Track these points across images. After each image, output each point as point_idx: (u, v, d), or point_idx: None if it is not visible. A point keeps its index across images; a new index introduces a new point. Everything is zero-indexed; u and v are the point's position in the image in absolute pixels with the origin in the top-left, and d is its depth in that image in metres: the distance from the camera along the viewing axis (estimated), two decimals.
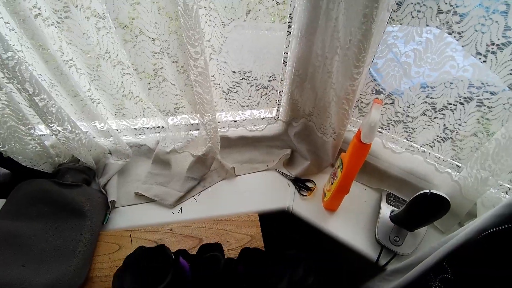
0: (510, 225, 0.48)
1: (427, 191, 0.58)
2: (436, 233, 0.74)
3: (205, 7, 0.56)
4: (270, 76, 0.74)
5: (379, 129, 0.77)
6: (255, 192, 0.84)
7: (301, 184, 0.85)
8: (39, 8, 0.52)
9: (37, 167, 0.73)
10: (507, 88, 0.54)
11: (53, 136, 0.73)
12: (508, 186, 0.65)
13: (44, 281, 0.60)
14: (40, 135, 0.71)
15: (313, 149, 0.87)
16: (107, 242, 0.72)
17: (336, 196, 0.72)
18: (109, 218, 0.77)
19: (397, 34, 0.59)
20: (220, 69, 0.69)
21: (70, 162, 0.81)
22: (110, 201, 0.78)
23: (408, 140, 0.75)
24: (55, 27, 0.55)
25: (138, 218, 0.77)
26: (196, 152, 0.86)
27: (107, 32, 0.59)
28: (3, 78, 0.56)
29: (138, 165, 0.89)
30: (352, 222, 0.76)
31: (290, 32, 0.68)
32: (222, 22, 0.58)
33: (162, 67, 0.65)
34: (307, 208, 0.79)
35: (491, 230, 0.50)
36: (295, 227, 0.83)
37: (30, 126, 0.66)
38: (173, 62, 0.63)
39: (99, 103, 0.73)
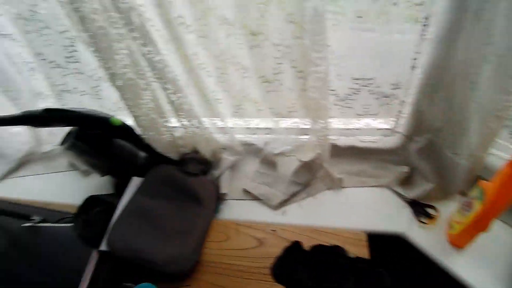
0: None
1: None
2: None
3: (331, 11, 0.54)
4: (395, 84, 0.67)
5: None
6: (363, 208, 0.78)
7: (420, 209, 0.74)
8: (183, 18, 0.60)
9: (167, 154, 0.85)
10: None
11: (182, 129, 0.84)
12: None
13: (167, 254, 0.68)
14: (172, 127, 0.82)
15: (439, 170, 0.74)
16: (217, 230, 0.78)
17: (469, 232, 0.59)
18: (220, 208, 0.83)
19: None
20: (339, 75, 0.66)
21: (192, 153, 0.91)
22: (222, 193, 0.84)
23: None
24: (194, 34, 0.62)
25: (244, 213, 0.81)
26: (303, 157, 0.85)
27: (235, 38, 0.63)
28: (151, 77, 0.67)
29: (248, 163, 0.94)
30: (486, 267, 0.62)
31: (424, 36, 0.59)
32: (349, 26, 0.55)
33: (280, 72, 0.66)
34: (427, 238, 0.68)
35: None
36: (407, 256, 0.72)
37: (166, 119, 0.77)
38: (293, 67, 0.63)
39: (220, 102, 0.80)
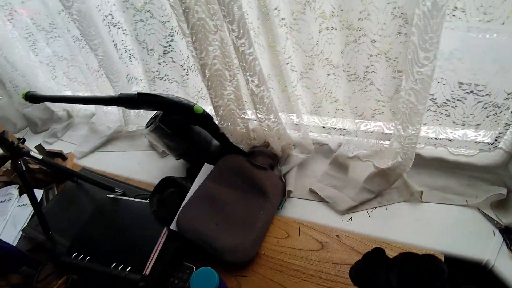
0: None
1: None
2: None
3: (450, 7, 0.48)
4: (510, 93, 0.58)
5: None
6: (443, 227, 0.70)
7: None
8: (279, 10, 0.59)
9: (239, 145, 0.86)
10: None
11: (256, 122, 0.83)
12: None
13: (229, 242, 0.71)
14: (247, 119, 0.83)
15: None
16: (278, 226, 0.77)
17: None
18: (284, 205, 0.82)
19: None
20: (442, 78, 0.58)
21: (263, 146, 0.91)
22: (287, 190, 0.83)
23: None
24: (287, 27, 0.61)
25: (308, 213, 0.79)
26: (381, 164, 0.79)
27: (328, 33, 0.60)
28: (237, 69, 0.68)
29: (317, 162, 0.91)
30: None
31: None
32: (468, 24, 0.48)
33: (373, 71, 0.62)
34: None
35: None
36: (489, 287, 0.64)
37: (244, 111, 0.78)
38: (390, 66, 0.58)
39: (299, 99, 0.77)
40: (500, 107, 0.60)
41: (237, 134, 0.83)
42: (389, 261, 0.45)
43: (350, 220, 0.76)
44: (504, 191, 0.70)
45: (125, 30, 0.87)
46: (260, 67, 0.62)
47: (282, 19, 0.61)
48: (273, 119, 0.75)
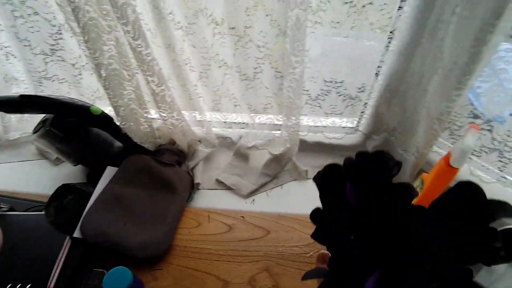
0: None
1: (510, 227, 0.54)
2: None
3: (310, 20, 0.61)
4: (360, 88, 0.76)
5: (470, 155, 0.73)
6: None
7: None
8: (174, 14, 0.63)
9: (144, 145, 0.87)
10: None
11: (159, 120, 0.86)
12: None
13: (139, 239, 0.72)
14: (151, 118, 0.84)
15: None
16: (189, 217, 0.82)
17: None
18: (193, 197, 0.87)
19: (509, 59, 0.57)
20: (313, 77, 0.73)
21: (168, 144, 0.93)
22: (195, 183, 0.88)
23: (501, 171, 0.70)
24: (182, 30, 0.66)
25: (216, 202, 0.86)
26: (274, 151, 0.92)
27: (221, 37, 0.68)
28: (136, 69, 0.69)
29: (221, 155, 0.99)
30: None
31: (388, 48, 0.69)
32: (325, 34, 0.63)
33: (261, 71, 0.72)
34: None
35: None
36: None
37: (146, 110, 0.79)
38: (272, 68, 0.69)
39: (200, 97, 0.83)
40: (354, 98, 0.79)
41: (141, 134, 0.84)
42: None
43: (252, 202, 0.87)
44: None
45: (0, 25, 0.76)
46: (159, 67, 0.65)
47: (178, 22, 0.65)
48: (177, 117, 0.79)
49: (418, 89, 0.69)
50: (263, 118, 0.89)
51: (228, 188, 0.90)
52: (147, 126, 0.82)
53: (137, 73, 0.70)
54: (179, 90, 0.77)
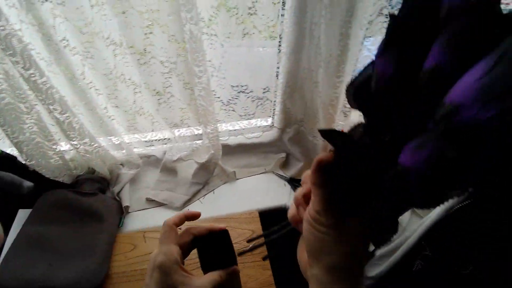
0: (470, 201, 0.58)
1: None
2: (417, 219, 0.83)
3: (207, 33, 0.67)
4: (264, 89, 0.85)
5: None
6: (254, 192, 0.93)
7: (296, 184, 0.94)
8: (67, 40, 0.62)
9: (58, 179, 0.81)
10: None
11: (72, 150, 0.82)
12: None
13: (69, 276, 0.68)
14: (62, 150, 0.80)
15: (305, 151, 0.96)
16: (123, 242, 0.80)
17: None
18: (124, 221, 0.85)
19: (369, 47, 0.70)
20: (221, 84, 0.79)
21: (87, 173, 0.89)
22: (124, 206, 0.86)
23: None
24: (80, 55, 0.65)
25: (150, 221, 0.85)
26: (200, 159, 0.95)
27: (123, 57, 0.69)
28: (34, 100, 0.66)
29: (148, 173, 0.98)
30: None
31: (280, 50, 0.79)
32: (221, 45, 0.69)
33: (170, 85, 0.75)
34: None
35: (456, 207, 0.60)
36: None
37: (53, 142, 0.75)
38: (180, 80, 0.73)
39: (113, 119, 0.82)
40: (262, 99, 0.87)
41: (53, 168, 0.79)
42: None
43: None
44: (283, 155, 1.01)
45: None
46: (59, 94, 0.63)
47: (74, 48, 0.64)
48: (89, 143, 0.77)
49: (311, 82, 0.80)
50: (183, 130, 0.91)
51: (160, 204, 0.90)
52: (58, 158, 0.78)
53: (36, 104, 0.66)
54: (88, 115, 0.75)
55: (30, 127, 0.68)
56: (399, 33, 0.21)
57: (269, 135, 1.01)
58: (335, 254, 0.26)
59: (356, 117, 0.67)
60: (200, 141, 0.95)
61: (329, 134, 0.24)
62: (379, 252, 0.77)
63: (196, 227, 0.44)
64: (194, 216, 0.45)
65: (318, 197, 0.26)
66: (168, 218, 0.42)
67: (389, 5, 0.64)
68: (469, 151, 0.17)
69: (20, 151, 0.70)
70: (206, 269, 0.41)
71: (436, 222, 0.63)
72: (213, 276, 0.38)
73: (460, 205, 0.59)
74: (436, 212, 0.63)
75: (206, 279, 0.37)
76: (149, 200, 0.90)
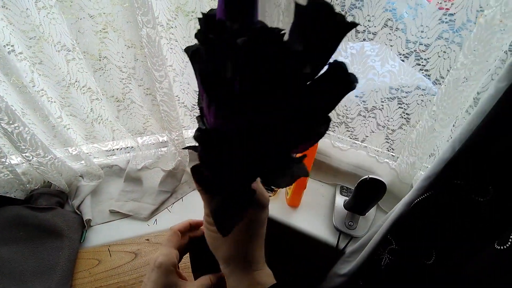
0: (428, 194, 0.60)
1: (366, 176, 0.70)
2: (383, 214, 0.86)
3: (165, 37, 0.65)
4: None
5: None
6: None
7: (266, 187, 0.94)
8: (12, 46, 0.58)
9: (9, 195, 0.75)
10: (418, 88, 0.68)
11: (24, 164, 0.76)
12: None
13: None
14: (12, 164, 0.74)
15: None
16: (86, 258, 0.75)
17: (296, 192, 0.82)
18: (86, 236, 0.80)
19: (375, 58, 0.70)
20: (183, 90, 0.77)
21: (42, 187, 0.83)
22: (86, 220, 0.81)
23: (351, 138, 0.87)
24: (28, 61, 0.60)
25: (114, 233, 0.81)
26: (167, 166, 0.92)
27: (76, 63, 0.65)
28: None
29: (110, 184, 0.93)
30: (313, 214, 0.86)
31: None
32: (182, 49, 0.67)
33: (129, 91, 0.72)
34: (273, 207, 0.88)
35: (416, 200, 0.62)
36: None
37: (1, 155, 0.69)
38: (140, 85, 0.70)
39: (69, 128, 0.77)
40: None
41: (3, 183, 0.73)
42: None
43: (155, 222, 0.85)
44: None
45: None
46: (6, 103, 0.58)
47: (20, 53, 0.60)
48: (43, 155, 0.72)
49: None
50: (146, 138, 0.88)
51: (126, 215, 0.86)
52: (8, 173, 0.72)
53: None
54: (40, 125, 0.70)
55: None
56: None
57: None
58: (224, 246, 0.34)
59: None
60: (166, 148, 0.93)
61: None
62: (349, 249, 0.78)
63: (196, 230, 0.47)
64: (198, 225, 0.48)
65: (205, 202, 0.33)
66: (174, 224, 0.47)
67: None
68: None
69: None
70: (197, 272, 0.43)
71: (399, 215, 0.65)
72: (204, 280, 0.40)
73: (419, 199, 0.62)
74: (399, 207, 0.65)
75: (196, 284, 0.39)
76: (113, 212, 0.86)
